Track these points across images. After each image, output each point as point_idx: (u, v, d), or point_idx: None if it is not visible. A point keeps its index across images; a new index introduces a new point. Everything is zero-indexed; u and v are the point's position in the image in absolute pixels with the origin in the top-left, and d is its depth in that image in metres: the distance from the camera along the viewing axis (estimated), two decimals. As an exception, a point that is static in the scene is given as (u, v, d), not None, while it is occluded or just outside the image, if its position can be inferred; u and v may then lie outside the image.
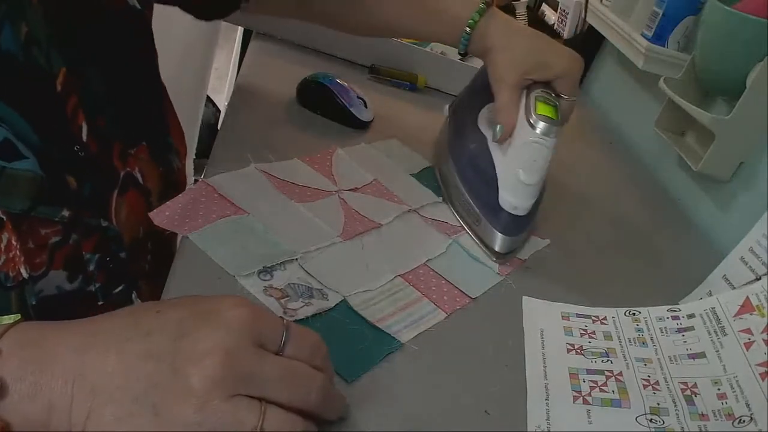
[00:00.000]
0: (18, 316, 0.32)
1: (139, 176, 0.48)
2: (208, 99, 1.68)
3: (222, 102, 1.90)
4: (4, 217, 0.37)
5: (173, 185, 0.54)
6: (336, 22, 0.67)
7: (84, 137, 0.41)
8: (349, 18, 0.65)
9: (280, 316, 0.35)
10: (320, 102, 0.73)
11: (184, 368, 0.29)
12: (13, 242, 0.37)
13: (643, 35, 0.88)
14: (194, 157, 1.49)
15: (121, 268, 0.46)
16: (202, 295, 0.34)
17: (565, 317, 0.52)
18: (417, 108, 0.86)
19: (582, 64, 0.61)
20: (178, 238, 0.50)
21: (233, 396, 0.30)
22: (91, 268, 0.43)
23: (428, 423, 0.40)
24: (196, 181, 1.73)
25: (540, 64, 0.58)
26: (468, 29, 0.60)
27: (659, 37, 0.86)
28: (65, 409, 0.29)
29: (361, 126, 0.74)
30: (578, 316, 0.53)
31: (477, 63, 1.00)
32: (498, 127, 0.58)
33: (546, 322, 0.51)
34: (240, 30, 1.45)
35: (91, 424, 0.29)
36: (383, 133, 0.75)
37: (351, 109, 0.72)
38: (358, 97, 0.74)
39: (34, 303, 0.39)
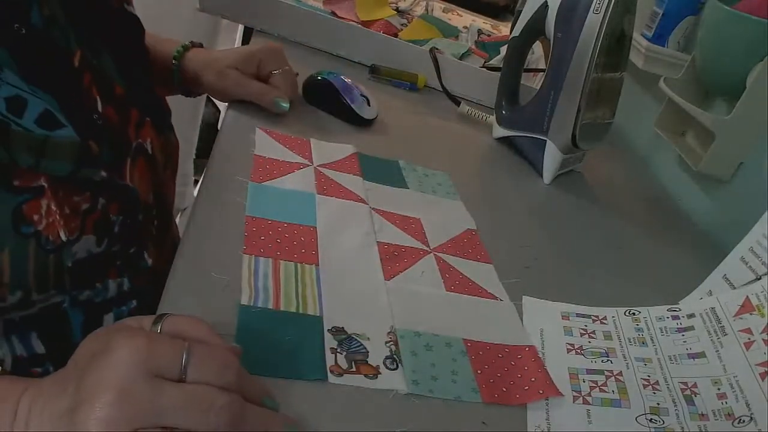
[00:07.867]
0: None
1: (149, 147, 0.52)
2: (208, 99, 1.68)
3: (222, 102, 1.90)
4: (45, 185, 0.40)
5: (172, 160, 0.58)
6: None
7: (99, 108, 0.45)
8: None
9: (182, 339, 0.33)
10: (324, 98, 0.74)
11: (83, 417, 0.30)
12: (53, 208, 0.40)
13: (643, 35, 0.88)
14: (194, 157, 1.49)
15: (137, 230, 0.49)
16: (103, 331, 0.34)
17: (565, 317, 0.52)
18: (417, 108, 0.86)
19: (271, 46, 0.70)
20: (177, 217, 0.52)
21: None
22: (116, 230, 0.46)
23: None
24: (196, 181, 1.72)
25: (246, 58, 0.67)
26: (174, 62, 0.66)
27: (659, 37, 0.86)
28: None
29: (363, 123, 0.74)
30: (578, 315, 0.53)
31: (477, 63, 1.00)
32: (277, 101, 0.65)
33: (546, 321, 0.51)
34: (240, 28, 1.44)
35: None
36: (384, 131, 0.75)
37: (353, 106, 0.73)
38: (362, 95, 0.74)
39: (69, 265, 0.42)
